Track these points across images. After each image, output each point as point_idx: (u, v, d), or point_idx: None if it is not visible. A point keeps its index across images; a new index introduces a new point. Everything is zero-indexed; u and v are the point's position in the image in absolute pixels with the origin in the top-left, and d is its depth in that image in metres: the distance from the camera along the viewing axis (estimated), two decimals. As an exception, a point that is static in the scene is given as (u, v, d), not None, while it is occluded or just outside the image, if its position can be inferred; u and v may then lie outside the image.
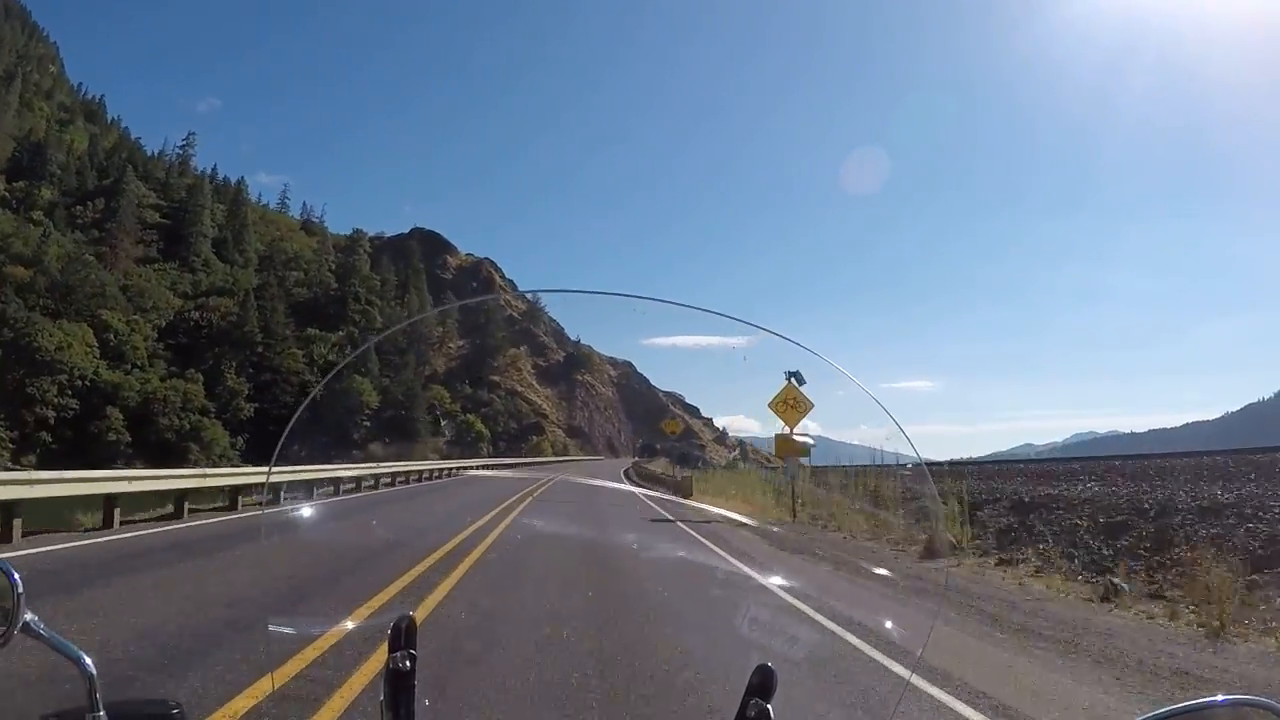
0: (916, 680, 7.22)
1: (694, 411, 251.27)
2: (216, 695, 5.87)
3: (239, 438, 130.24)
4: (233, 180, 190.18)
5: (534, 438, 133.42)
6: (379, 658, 1.23)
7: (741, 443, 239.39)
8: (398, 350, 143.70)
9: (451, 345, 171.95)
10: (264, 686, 6.01)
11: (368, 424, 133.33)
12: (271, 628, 8.01)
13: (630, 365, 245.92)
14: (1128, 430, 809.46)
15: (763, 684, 1.56)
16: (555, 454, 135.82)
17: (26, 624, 1.44)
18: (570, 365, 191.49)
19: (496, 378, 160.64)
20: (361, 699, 5.96)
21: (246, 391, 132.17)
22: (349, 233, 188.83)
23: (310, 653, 6.94)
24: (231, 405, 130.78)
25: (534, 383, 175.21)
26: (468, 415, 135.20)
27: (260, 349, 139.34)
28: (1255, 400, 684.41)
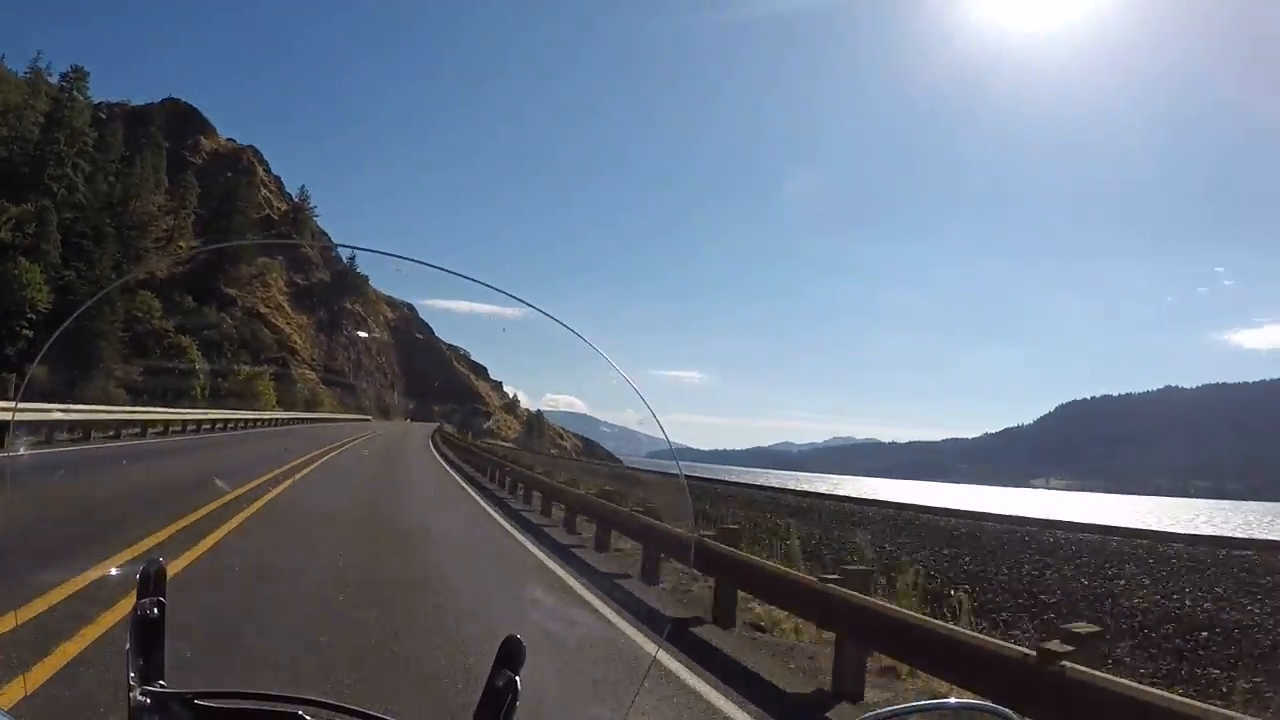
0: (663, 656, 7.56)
1: (481, 371, 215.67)
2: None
3: None
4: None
5: (243, 368, 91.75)
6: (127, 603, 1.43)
7: (540, 414, 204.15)
8: (95, 235, 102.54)
9: (182, 245, 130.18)
10: (7, 624, 5.86)
11: (29, 333, 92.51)
12: (17, 608, 6.51)
13: (410, 309, 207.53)
14: (888, 440, 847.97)
15: (510, 655, 1.54)
16: (294, 406, 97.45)
17: None
18: (338, 290, 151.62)
19: (234, 291, 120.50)
20: (104, 642, 5.89)
21: None
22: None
23: (56, 595, 6.95)
24: None
25: (285, 305, 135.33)
26: (179, 337, 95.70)
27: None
28: (1015, 425, 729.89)
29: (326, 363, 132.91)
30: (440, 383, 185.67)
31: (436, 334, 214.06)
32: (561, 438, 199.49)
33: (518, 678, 1.50)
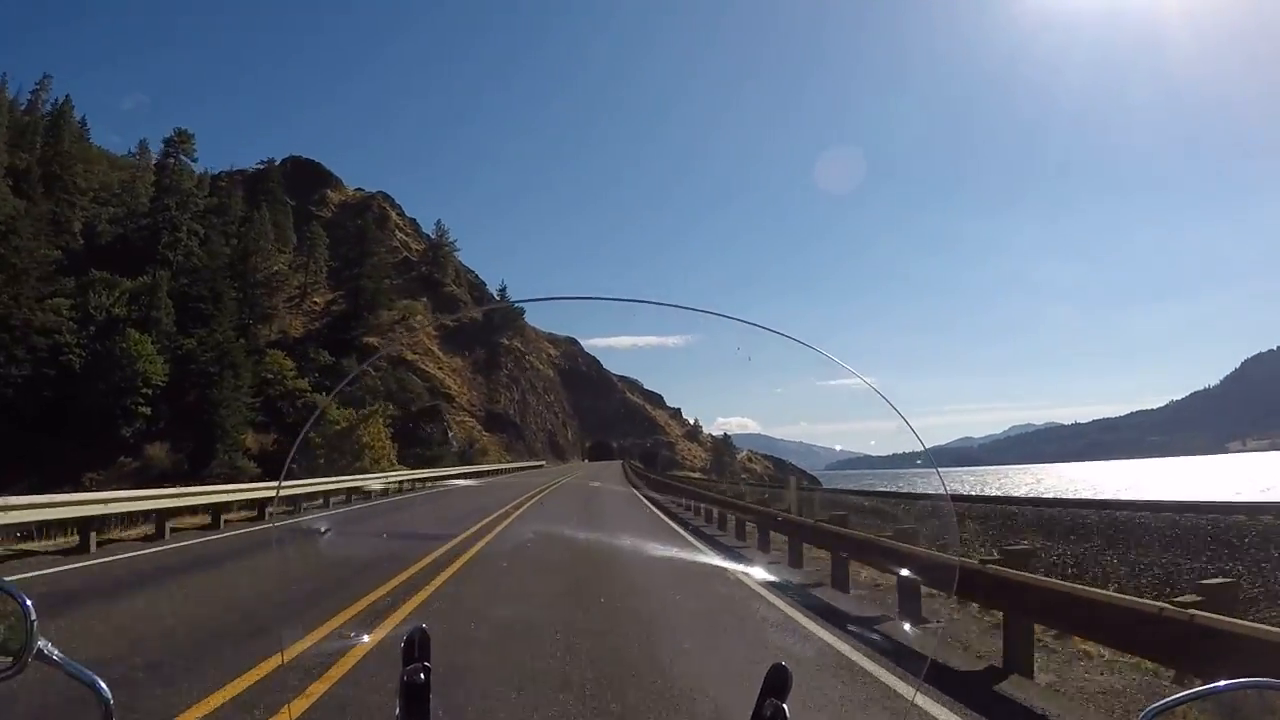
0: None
1: (656, 400, 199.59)
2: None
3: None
4: (81, 116, 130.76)
5: (344, 410, 73.50)
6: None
7: (726, 439, 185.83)
8: (213, 296, 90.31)
9: (317, 300, 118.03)
10: (274, 663, 6.72)
11: (146, 410, 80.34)
12: (285, 647, 7.36)
13: (574, 343, 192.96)
14: (1070, 421, 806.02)
15: (778, 683, 1.52)
16: (450, 459, 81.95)
17: (40, 651, 1.40)
18: (491, 327, 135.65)
19: (374, 340, 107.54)
20: (350, 681, 6.43)
21: (-66, 357, 79.05)
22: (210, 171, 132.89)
23: (312, 639, 7.87)
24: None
25: (435, 349, 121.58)
26: (316, 396, 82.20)
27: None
28: (1202, 388, 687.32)
29: (488, 406, 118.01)
30: (616, 416, 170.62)
31: (605, 366, 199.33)
32: (750, 460, 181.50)
33: (785, 706, 1.47)
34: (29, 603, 1.41)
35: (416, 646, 1.61)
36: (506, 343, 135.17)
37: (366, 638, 8.60)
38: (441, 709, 1.57)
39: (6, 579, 1.52)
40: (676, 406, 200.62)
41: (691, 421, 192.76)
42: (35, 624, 1.40)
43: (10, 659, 1.41)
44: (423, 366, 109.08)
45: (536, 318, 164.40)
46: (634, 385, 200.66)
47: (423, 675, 1.57)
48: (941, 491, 8.50)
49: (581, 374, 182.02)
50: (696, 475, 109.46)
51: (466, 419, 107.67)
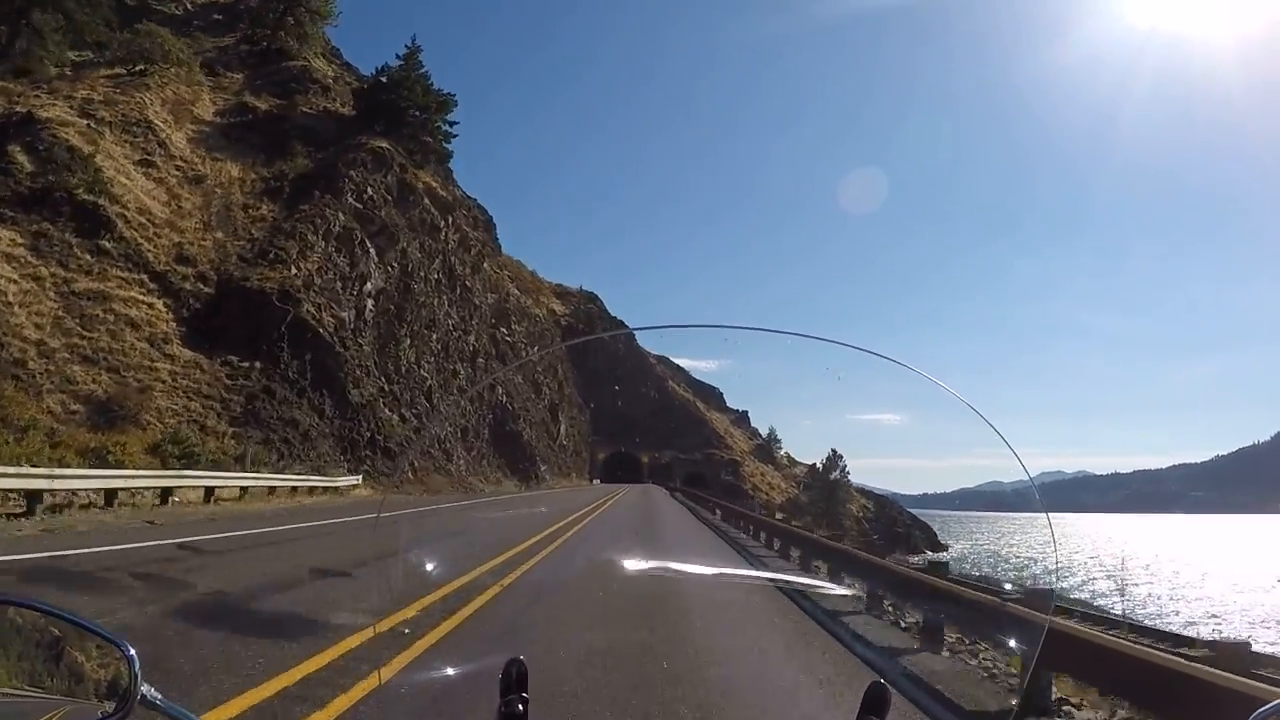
0: None
1: (712, 396, 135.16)
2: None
3: None
4: None
5: None
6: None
7: (837, 459, 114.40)
8: None
9: None
10: (368, 633, 7.51)
11: None
12: (382, 676, 6.71)
13: (595, 299, 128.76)
14: (1107, 470, 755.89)
15: (877, 701, 1.50)
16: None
17: (144, 696, 1.43)
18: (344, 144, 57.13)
19: (23, 102, 38.48)
20: (435, 652, 7.31)
21: None
22: None
23: (402, 615, 8.43)
24: None
25: (177, 130, 47.66)
26: None
27: None
28: (1250, 444, 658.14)
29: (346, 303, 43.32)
30: (650, 413, 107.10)
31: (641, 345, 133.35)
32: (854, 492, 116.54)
33: None
34: (132, 651, 1.42)
35: (514, 678, 1.60)
36: (422, 186, 61.61)
37: (452, 670, 8.10)
38: None
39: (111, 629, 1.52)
40: (742, 409, 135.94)
41: (767, 433, 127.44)
42: (139, 669, 1.41)
43: (116, 705, 1.42)
44: (114, 190, 37.18)
45: (542, 267, 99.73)
46: (679, 373, 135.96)
47: (521, 706, 1.56)
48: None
49: (601, 347, 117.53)
50: (783, 520, 50.15)
51: (174, 346, 36.57)
